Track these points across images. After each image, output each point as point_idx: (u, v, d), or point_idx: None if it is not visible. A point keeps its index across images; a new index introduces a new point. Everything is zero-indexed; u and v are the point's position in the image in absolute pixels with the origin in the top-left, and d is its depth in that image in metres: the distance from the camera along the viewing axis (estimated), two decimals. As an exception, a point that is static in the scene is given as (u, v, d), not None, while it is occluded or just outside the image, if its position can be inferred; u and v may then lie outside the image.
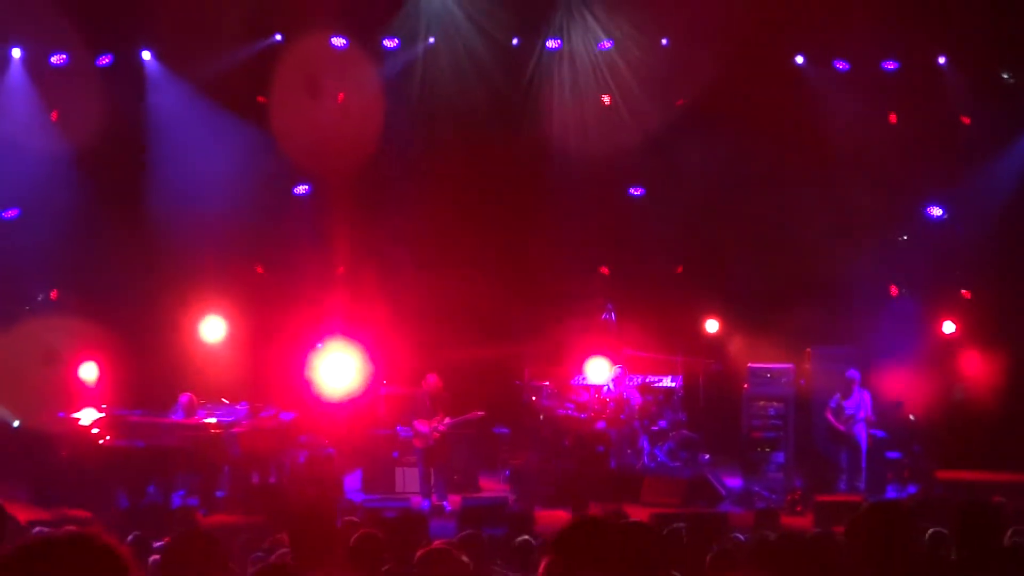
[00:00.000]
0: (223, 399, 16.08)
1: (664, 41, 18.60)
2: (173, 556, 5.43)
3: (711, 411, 18.08)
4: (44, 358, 16.42)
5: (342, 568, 6.08)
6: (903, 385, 17.12)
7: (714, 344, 18.83)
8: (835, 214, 18.13)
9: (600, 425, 17.08)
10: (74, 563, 2.63)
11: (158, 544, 8.40)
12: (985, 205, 18.50)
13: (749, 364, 17.47)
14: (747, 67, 17.99)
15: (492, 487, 16.88)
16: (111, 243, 17.55)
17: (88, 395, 16.28)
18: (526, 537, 9.25)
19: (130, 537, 8.84)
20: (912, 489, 16.28)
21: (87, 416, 15.12)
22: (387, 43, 18.66)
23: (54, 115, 17.48)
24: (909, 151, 18.11)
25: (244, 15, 17.53)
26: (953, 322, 18.50)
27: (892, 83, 18.46)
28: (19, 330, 16.35)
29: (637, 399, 17.40)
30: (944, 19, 17.55)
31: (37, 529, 9.73)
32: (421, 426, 15.67)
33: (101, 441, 14.82)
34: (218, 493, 15.26)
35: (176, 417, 15.30)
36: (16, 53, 17.52)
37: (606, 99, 18.92)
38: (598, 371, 17.63)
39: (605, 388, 17.53)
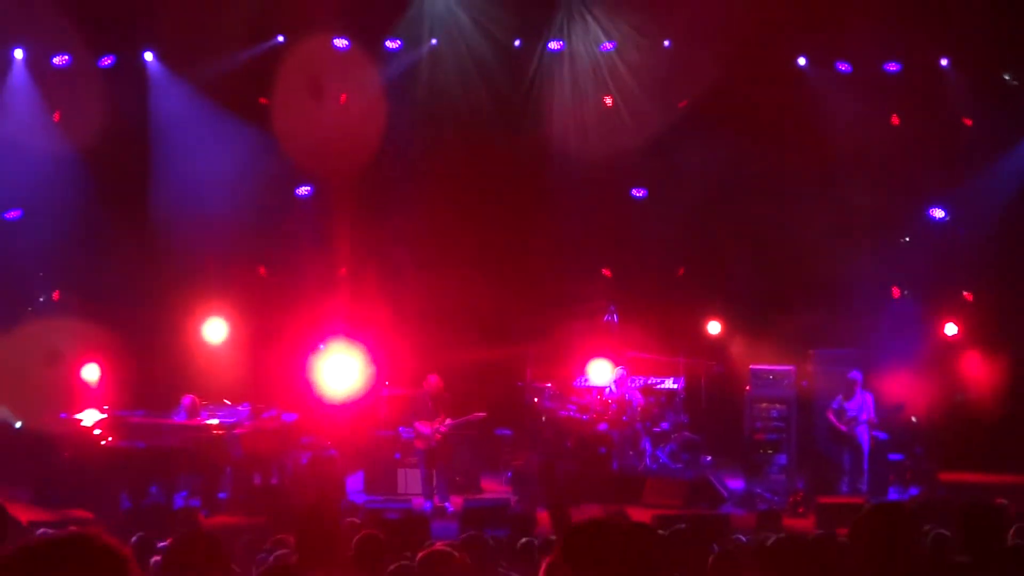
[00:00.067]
0: (225, 400, 16.08)
1: (666, 42, 18.61)
2: (175, 557, 5.43)
3: (713, 413, 18.07)
4: (46, 359, 16.43)
5: (346, 569, 6.08)
6: (905, 387, 17.09)
7: (716, 346, 18.82)
8: (837, 215, 18.12)
9: (602, 427, 17.08)
10: (76, 564, 2.63)
11: (162, 545, 8.39)
12: (987, 207, 18.51)
13: (751, 366, 17.45)
14: (749, 68, 17.99)
15: (494, 488, 16.88)
16: (113, 244, 17.57)
17: (90, 396, 16.29)
18: (529, 539, 9.25)
19: (134, 538, 8.83)
20: (914, 491, 16.26)
21: (89, 417, 15.13)
22: (389, 44, 18.68)
23: (56, 116, 17.51)
24: (911, 153, 18.12)
25: (246, 16, 17.53)
26: (955, 324, 18.50)
27: (894, 85, 18.47)
28: (21, 331, 16.37)
29: (639, 401, 17.39)
30: (946, 21, 17.55)
31: (41, 530, 9.73)
32: (423, 427, 15.67)
33: (103, 442, 14.82)
34: (220, 494, 15.25)
35: (178, 418, 15.31)
36: (19, 54, 17.55)
37: (608, 100, 18.93)
38: (600, 373, 17.65)
39: (607, 390, 17.53)
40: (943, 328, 18.48)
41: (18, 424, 16.21)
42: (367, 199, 18.78)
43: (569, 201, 19.06)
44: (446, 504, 15.43)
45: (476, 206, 18.88)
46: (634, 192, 19.55)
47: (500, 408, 17.26)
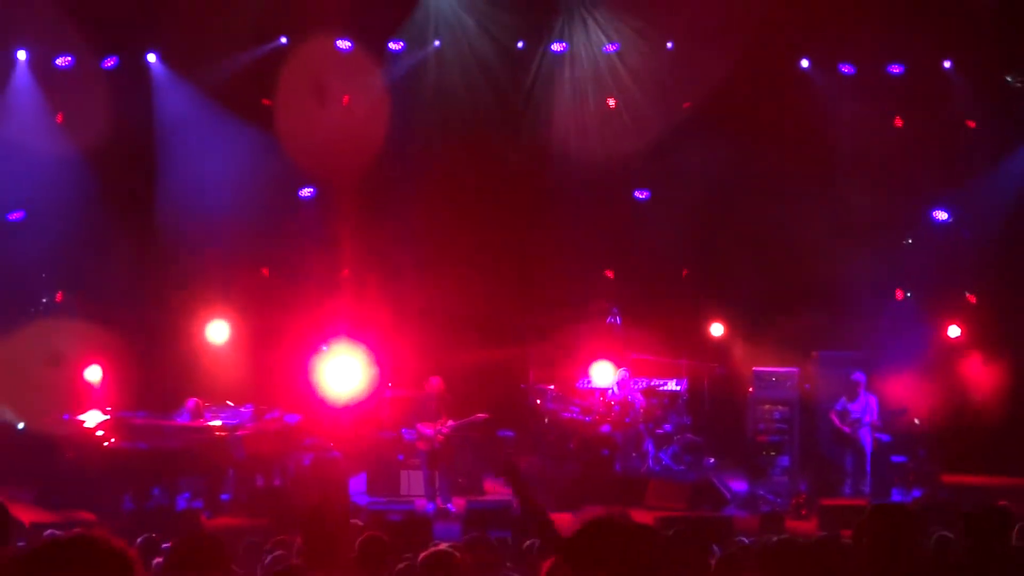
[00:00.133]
0: (228, 402, 16.09)
1: (669, 44, 18.61)
2: (176, 558, 5.43)
3: (716, 415, 18.06)
4: (49, 360, 16.43)
5: (350, 571, 6.08)
6: (908, 389, 17.08)
7: (719, 347, 18.81)
8: (840, 218, 18.13)
9: (605, 428, 17.07)
10: (83, 565, 2.64)
11: (167, 547, 8.40)
12: (990, 209, 18.50)
13: (754, 368, 17.44)
14: (752, 70, 17.99)
15: (497, 490, 16.87)
16: (116, 245, 17.59)
17: (93, 397, 16.30)
18: (533, 541, 9.24)
19: (140, 539, 8.84)
20: (917, 493, 16.24)
21: (92, 418, 15.12)
22: (392, 46, 18.69)
23: (59, 117, 17.51)
24: (914, 155, 18.11)
25: (249, 17, 17.53)
26: (958, 326, 18.48)
27: (897, 87, 18.46)
28: (24, 332, 16.37)
29: (642, 402, 17.38)
30: (949, 23, 17.55)
31: (49, 532, 9.73)
32: (425, 429, 15.67)
33: (105, 443, 14.81)
34: (223, 496, 15.26)
35: (181, 420, 15.31)
36: (22, 55, 17.55)
37: (611, 102, 18.93)
38: (603, 374, 17.64)
39: (610, 391, 17.52)
40: (946, 330, 18.46)
41: (21, 425, 16.21)
42: (370, 200, 18.77)
43: (572, 203, 19.06)
44: (449, 506, 15.44)
45: (479, 207, 18.88)
46: (637, 194, 19.54)
47: (503, 410, 17.24)
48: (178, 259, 17.83)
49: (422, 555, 6.17)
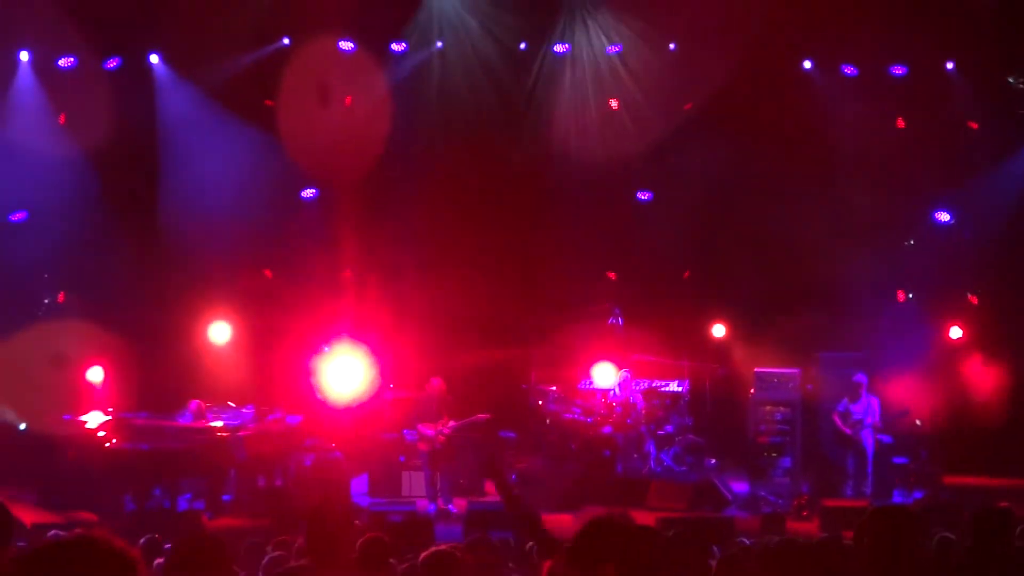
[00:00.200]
0: (229, 402, 16.10)
1: (672, 46, 18.62)
2: (178, 559, 5.43)
3: (717, 416, 18.07)
4: (51, 361, 16.44)
5: (352, 571, 6.08)
6: (910, 390, 17.08)
7: (720, 349, 18.81)
8: (842, 218, 18.13)
9: (606, 429, 17.07)
10: (86, 566, 2.65)
11: (169, 547, 8.40)
12: (992, 210, 18.50)
13: (756, 369, 17.44)
14: (754, 71, 17.99)
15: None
16: (118, 246, 17.59)
17: (94, 398, 16.30)
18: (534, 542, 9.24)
19: (142, 540, 8.84)
20: (918, 494, 16.24)
21: (93, 419, 15.12)
22: (395, 47, 18.70)
23: (62, 118, 17.52)
24: (916, 156, 18.11)
25: (252, 19, 17.55)
26: (960, 327, 18.47)
27: (900, 88, 18.46)
28: (26, 333, 16.38)
29: (643, 404, 17.39)
30: (951, 24, 17.55)
31: (52, 532, 9.74)
32: (426, 429, 15.67)
33: (107, 444, 14.82)
34: (224, 496, 15.28)
35: (183, 421, 15.32)
36: (24, 56, 17.57)
37: (613, 103, 18.93)
38: (605, 375, 17.63)
39: (611, 392, 17.52)
40: (947, 331, 18.45)
41: (22, 426, 16.22)
42: (372, 201, 18.77)
43: (574, 203, 19.07)
44: (450, 507, 15.44)
45: (481, 208, 18.88)
46: (639, 195, 19.55)
47: (504, 411, 17.25)
48: (180, 260, 17.83)
49: (423, 556, 6.17)
